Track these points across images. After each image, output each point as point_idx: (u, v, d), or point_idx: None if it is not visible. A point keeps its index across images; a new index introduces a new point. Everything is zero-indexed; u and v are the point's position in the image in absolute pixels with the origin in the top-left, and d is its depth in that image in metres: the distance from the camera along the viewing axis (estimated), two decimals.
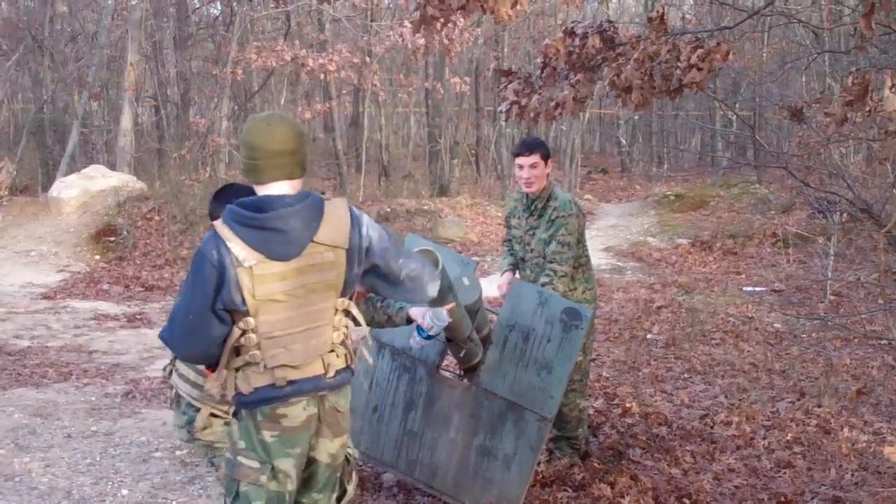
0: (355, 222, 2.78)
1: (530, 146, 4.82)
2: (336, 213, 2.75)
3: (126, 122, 17.23)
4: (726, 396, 6.42)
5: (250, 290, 2.64)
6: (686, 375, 7.04)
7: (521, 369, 4.44)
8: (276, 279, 2.67)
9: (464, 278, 4.21)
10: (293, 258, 2.68)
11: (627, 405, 5.92)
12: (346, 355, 2.83)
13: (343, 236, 2.74)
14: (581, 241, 4.90)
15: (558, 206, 4.80)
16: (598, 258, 12.85)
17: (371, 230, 2.81)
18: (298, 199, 2.72)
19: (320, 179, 21.30)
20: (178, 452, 5.33)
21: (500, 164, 22.61)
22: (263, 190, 2.74)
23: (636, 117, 28.85)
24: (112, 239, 13.44)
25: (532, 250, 4.91)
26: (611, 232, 16.34)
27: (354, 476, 3.08)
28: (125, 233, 13.54)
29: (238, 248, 2.63)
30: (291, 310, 2.70)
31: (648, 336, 8.33)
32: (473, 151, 24.96)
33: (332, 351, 2.79)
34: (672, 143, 31.26)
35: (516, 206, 5.01)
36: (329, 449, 2.85)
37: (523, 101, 4.20)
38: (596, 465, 4.87)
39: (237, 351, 2.72)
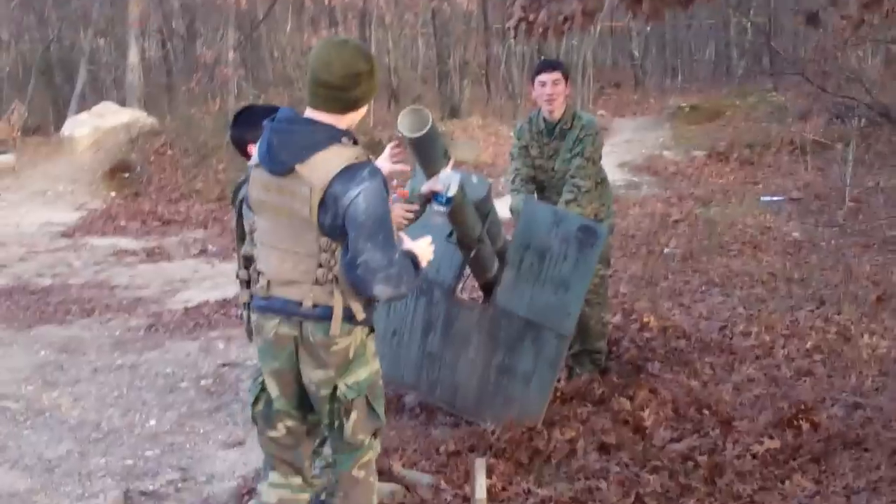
0: (348, 177, 2.69)
1: (552, 64, 4.89)
2: (333, 157, 2.71)
3: (133, 57, 17.09)
4: (745, 307, 6.41)
5: (250, 187, 2.87)
6: (704, 288, 7.03)
7: (538, 288, 4.44)
8: (261, 187, 2.81)
9: (472, 176, 4.21)
10: (276, 174, 2.75)
11: (645, 319, 5.93)
12: (331, 293, 2.79)
13: (322, 179, 2.70)
14: (601, 158, 4.92)
15: (585, 125, 4.82)
16: (614, 174, 12.76)
17: (361, 198, 2.68)
18: (289, 122, 2.77)
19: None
20: (203, 382, 5.41)
21: (510, 84, 22.34)
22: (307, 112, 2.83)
23: (648, 29, 28.26)
24: (126, 175, 13.45)
25: (555, 173, 4.89)
26: (625, 147, 16.18)
27: (359, 419, 2.90)
28: (139, 168, 13.54)
29: (256, 147, 2.87)
30: (274, 224, 2.81)
31: (665, 250, 8.30)
32: (483, 71, 24.62)
33: (317, 283, 2.79)
34: (686, 53, 30.68)
35: (531, 135, 4.95)
36: (311, 376, 2.86)
37: (531, 17, 4.10)
38: (615, 379, 4.90)
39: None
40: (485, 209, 4.25)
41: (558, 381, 4.67)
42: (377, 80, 2.84)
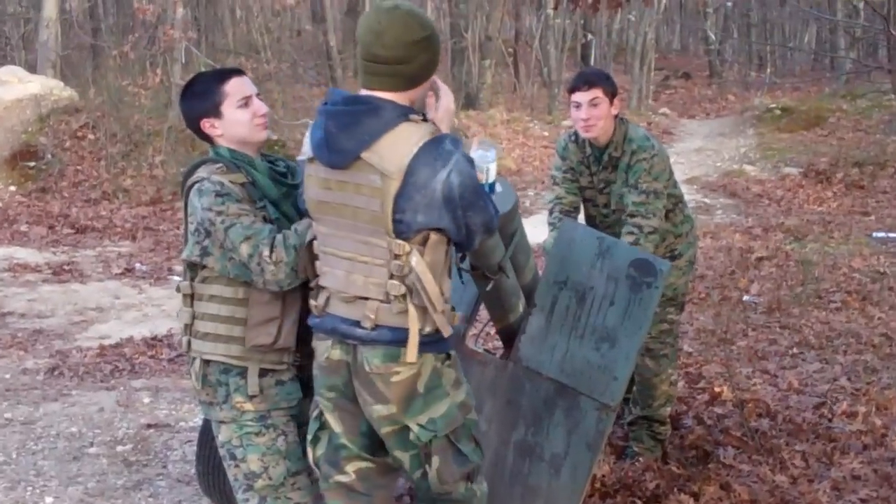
0: (432, 155, 2.93)
1: (589, 79, 4.87)
2: (405, 135, 2.95)
3: (49, 9, 17.16)
4: (849, 379, 6.37)
5: (305, 186, 3.14)
6: (795, 351, 7.00)
7: (575, 341, 4.40)
8: (319, 185, 3.07)
9: (497, 184, 4.19)
10: (336, 167, 3.00)
11: (717, 390, 5.89)
12: (401, 311, 3.03)
13: (397, 164, 2.92)
14: (670, 179, 4.97)
15: (636, 149, 4.85)
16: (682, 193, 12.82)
17: (455, 175, 2.95)
18: (348, 103, 3.00)
19: (307, 86, 21.22)
20: (119, 448, 5.37)
21: (546, 67, 22.44)
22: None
23: (730, 3, 28.45)
24: (32, 164, 13.47)
25: (612, 211, 4.98)
26: (695, 158, 16.22)
27: (444, 464, 3.17)
28: (50, 156, 13.56)
29: (307, 137, 3.10)
30: (338, 228, 3.07)
31: (745, 298, 8.29)
32: (511, 50, 24.81)
33: (385, 301, 3.03)
34: (778, 38, 30.92)
35: (580, 157, 5.03)
36: (370, 412, 3.12)
37: None
38: (675, 468, 4.85)
39: None
40: (509, 227, 4.22)
41: (599, 466, 4.62)
42: (438, 49, 3.06)
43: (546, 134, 18.32)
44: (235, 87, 3.39)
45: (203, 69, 16.85)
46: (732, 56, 29.76)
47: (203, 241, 3.27)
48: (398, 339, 3.05)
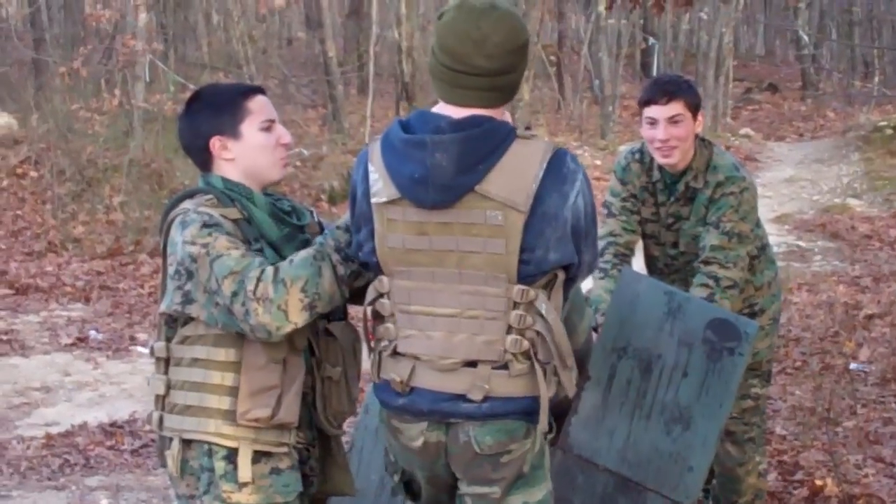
0: (557, 177, 3.04)
1: (669, 88, 4.81)
2: (523, 157, 3.04)
3: None
4: None
5: (381, 235, 3.14)
6: None
7: (640, 423, 4.40)
8: (411, 230, 3.11)
9: None
10: (440, 206, 3.06)
11: (818, 482, 5.85)
12: (524, 374, 3.13)
13: (524, 192, 3.01)
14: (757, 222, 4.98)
15: (723, 181, 4.82)
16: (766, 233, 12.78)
17: (581, 199, 3.09)
18: (459, 127, 3.06)
19: (300, 107, 21.36)
20: None
21: (597, 79, 22.51)
22: (437, 108, 3.17)
23: None
24: None
25: (681, 253, 4.98)
26: (785, 190, 16.19)
27: None
28: None
29: (377, 174, 3.13)
30: (434, 280, 3.13)
31: (852, 366, 8.23)
32: (553, 58, 24.86)
33: (499, 364, 3.12)
34: (888, 39, 30.95)
35: (643, 181, 5.00)
36: (466, 490, 3.26)
37: None
38: None
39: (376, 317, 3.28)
40: None
41: None
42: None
43: (599, 163, 18.34)
44: (260, 106, 3.43)
45: (172, 88, 16.96)
46: (831, 63, 29.79)
47: (184, 285, 3.25)
48: (517, 409, 3.15)
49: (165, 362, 3.33)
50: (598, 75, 22.63)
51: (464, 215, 3.03)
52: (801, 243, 13.03)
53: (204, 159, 3.44)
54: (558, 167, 3.04)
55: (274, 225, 3.39)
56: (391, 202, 3.10)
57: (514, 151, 3.03)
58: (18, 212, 13.50)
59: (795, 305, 9.88)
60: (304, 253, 3.25)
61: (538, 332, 3.10)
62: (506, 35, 3.03)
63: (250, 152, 3.39)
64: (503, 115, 3.14)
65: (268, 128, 3.41)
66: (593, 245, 3.20)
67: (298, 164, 15.69)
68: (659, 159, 4.82)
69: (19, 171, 14.18)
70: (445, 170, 3.01)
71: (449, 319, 3.11)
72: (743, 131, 22.40)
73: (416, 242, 3.10)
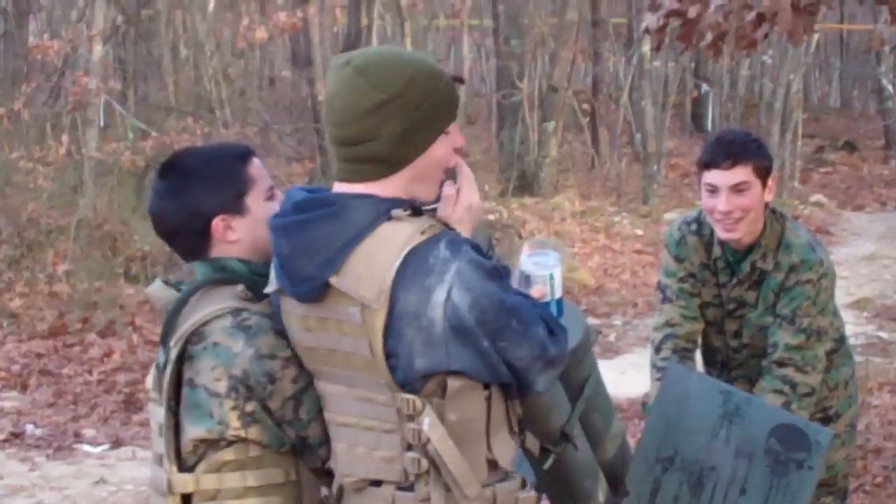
0: (420, 270, 2.97)
1: (734, 149, 4.81)
2: (384, 243, 3.01)
3: None
4: None
5: (287, 328, 3.20)
6: None
7: None
8: (300, 325, 3.15)
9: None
10: (305, 300, 3.09)
11: None
12: (427, 499, 3.07)
13: (376, 286, 2.98)
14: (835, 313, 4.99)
15: (797, 264, 4.82)
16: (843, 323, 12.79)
17: (458, 294, 2.98)
18: (300, 208, 3.06)
19: (283, 160, 21.43)
20: None
21: (639, 132, 22.59)
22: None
23: None
24: None
25: (744, 346, 4.98)
26: (864, 270, 16.22)
27: None
28: None
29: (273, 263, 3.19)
30: (335, 382, 3.15)
31: None
32: (587, 106, 24.98)
33: (404, 486, 3.09)
34: None
35: (702, 257, 5.02)
36: None
37: (691, 11, 4.22)
38: None
39: None
40: (577, 374, 4.24)
41: None
42: (425, 112, 3.05)
43: (640, 233, 18.35)
44: (259, 171, 3.43)
45: (131, 134, 17.02)
46: None
47: (245, 405, 3.20)
48: None
49: (186, 499, 3.23)
50: (641, 128, 22.65)
51: (334, 310, 3.04)
52: (882, 334, 13.02)
53: (197, 245, 3.40)
54: (422, 256, 2.97)
55: None
56: (277, 292, 3.18)
57: (378, 236, 3.01)
58: None
59: (875, 409, 9.84)
60: None
61: (426, 447, 3.05)
62: (349, 96, 3.01)
63: (258, 228, 3.35)
64: (408, 190, 3.10)
65: (270, 196, 3.41)
66: (521, 337, 3.06)
67: None
68: (720, 234, 4.83)
69: None
70: (291, 259, 3.05)
71: (350, 430, 3.15)
72: (814, 198, 22.41)
73: (306, 339, 3.14)
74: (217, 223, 3.35)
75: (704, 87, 27.19)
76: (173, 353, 3.27)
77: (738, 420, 4.44)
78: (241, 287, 3.30)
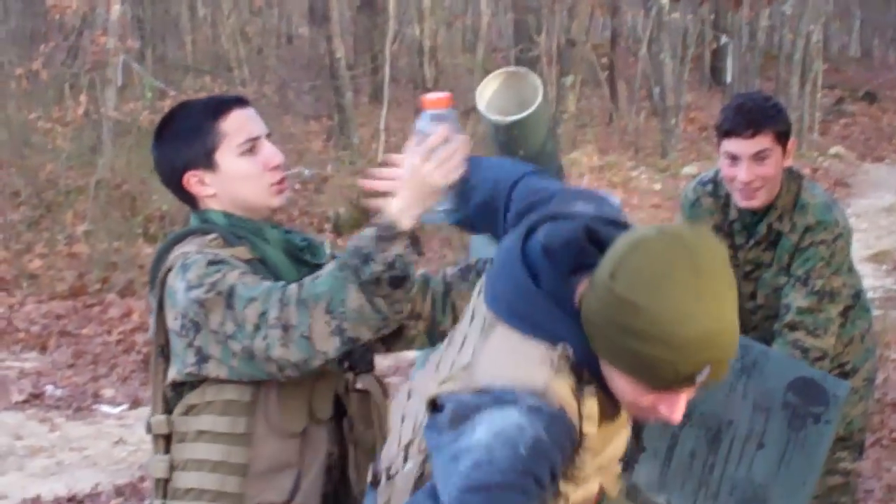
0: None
1: (754, 117, 4.76)
2: None
3: None
4: None
5: None
6: None
7: (706, 502, 4.38)
8: None
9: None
10: None
11: None
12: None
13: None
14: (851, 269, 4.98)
15: (813, 225, 4.80)
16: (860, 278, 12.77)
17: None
18: None
19: (301, 118, 21.39)
20: None
21: (658, 85, 22.51)
22: None
23: None
24: None
25: (759, 307, 4.98)
26: (884, 222, 16.19)
27: None
28: None
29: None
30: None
31: None
32: (606, 60, 24.93)
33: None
34: None
35: (718, 218, 5.01)
36: None
37: None
38: None
39: None
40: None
41: None
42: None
43: (658, 187, 18.33)
44: (236, 124, 3.35)
45: (149, 94, 17.05)
46: None
47: (195, 340, 3.17)
48: None
49: (166, 439, 3.28)
50: (659, 81, 22.54)
51: None
52: None
53: (183, 197, 3.42)
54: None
55: (291, 265, 3.36)
56: None
57: None
58: None
59: (894, 363, 9.81)
60: (328, 266, 3.16)
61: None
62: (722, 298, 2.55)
63: (231, 184, 3.35)
64: None
65: (250, 149, 3.34)
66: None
67: (298, 186, 15.64)
68: (739, 202, 4.81)
69: None
70: None
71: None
72: (833, 150, 22.32)
73: None
74: (188, 178, 3.36)
75: (724, 38, 26.98)
76: (155, 298, 3.31)
77: (755, 374, 4.42)
78: (213, 236, 3.31)
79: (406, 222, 3.09)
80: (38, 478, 7.85)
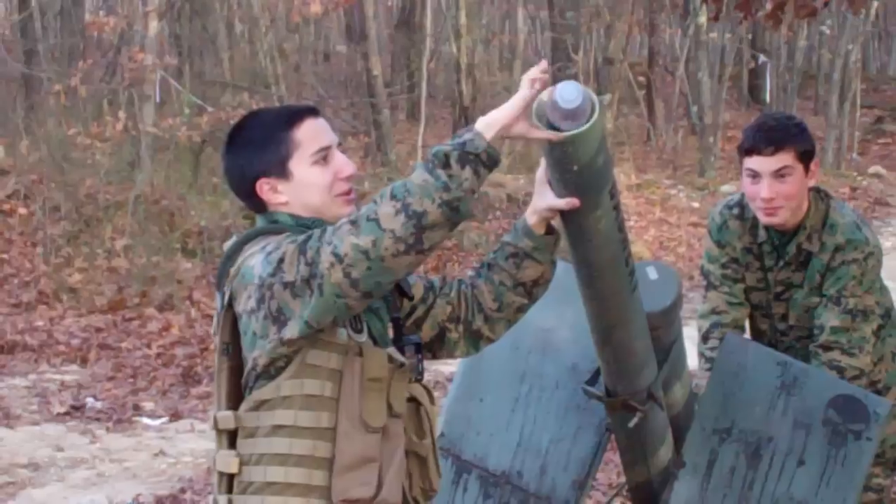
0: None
1: (775, 136, 4.78)
2: None
3: None
4: None
5: None
6: None
7: None
8: None
9: (649, 268, 4.17)
10: None
11: None
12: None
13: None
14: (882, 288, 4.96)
15: (843, 244, 4.80)
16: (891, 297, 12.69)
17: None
18: None
19: (339, 135, 21.40)
20: None
21: (695, 104, 22.46)
22: None
23: None
24: None
25: (790, 327, 4.97)
26: None
27: None
28: None
29: None
30: None
31: None
32: (643, 79, 24.87)
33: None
34: None
35: (745, 242, 5.00)
36: None
37: None
38: None
39: None
40: (667, 335, 4.24)
41: None
42: None
43: (696, 205, 18.24)
44: (310, 134, 3.40)
45: (187, 110, 17.10)
46: None
47: (272, 304, 3.20)
48: None
49: (231, 435, 3.31)
50: (697, 100, 22.49)
51: None
52: None
53: (252, 203, 3.47)
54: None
55: None
56: None
57: None
58: (4, 255, 13.57)
59: None
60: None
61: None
62: None
63: (304, 193, 3.40)
64: None
65: (323, 159, 3.39)
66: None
67: None
68: (762, 219, 4.82)
69: (6, 207, 14.26)
70: None
71: None
72: (872, 169, 22.22)
73: None
74: (260, 185, 3.40)
75: (762, 58, 26.90)
76: (226, 298, 3.33)
77: (795, 391, 4.44)
78: (285, 234, 3.31)
79: (487, 133, 3.12)
80: (79, 489, 7.87)
